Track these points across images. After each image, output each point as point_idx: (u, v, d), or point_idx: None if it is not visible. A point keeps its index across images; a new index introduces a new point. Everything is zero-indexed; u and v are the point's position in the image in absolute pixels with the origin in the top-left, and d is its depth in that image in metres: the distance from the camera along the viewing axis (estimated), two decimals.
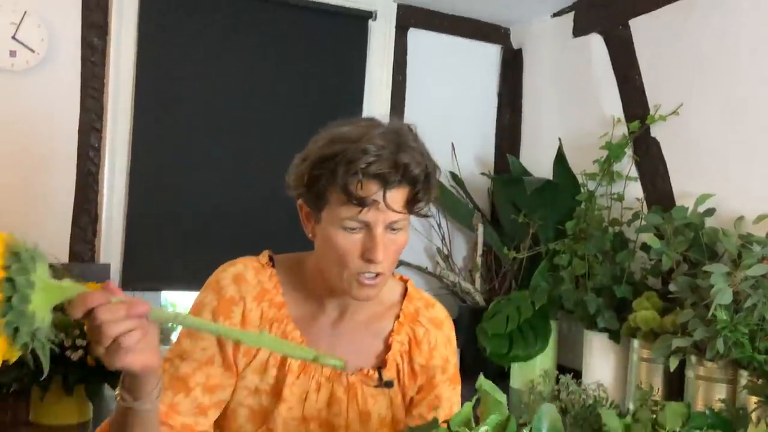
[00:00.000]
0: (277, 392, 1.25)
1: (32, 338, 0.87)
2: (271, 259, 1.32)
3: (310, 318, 1.29)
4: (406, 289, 1.38)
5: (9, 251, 0.86)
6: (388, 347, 1.32)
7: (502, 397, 1.07)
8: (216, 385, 1.23)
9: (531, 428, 0.99)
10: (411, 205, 1.18)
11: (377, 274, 1.19)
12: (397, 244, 1.20)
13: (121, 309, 0.94)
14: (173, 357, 1.24)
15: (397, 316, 1.34)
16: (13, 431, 1.98)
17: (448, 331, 1.38)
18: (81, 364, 1.98)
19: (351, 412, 1.27)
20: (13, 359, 0.87)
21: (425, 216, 1.25)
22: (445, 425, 1.02)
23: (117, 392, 1.07)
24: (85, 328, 0.96)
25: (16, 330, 0.85)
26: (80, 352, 1.96)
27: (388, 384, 1.30)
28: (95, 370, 2.00)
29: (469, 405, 1.04)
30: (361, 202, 1.13)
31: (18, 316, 0.85)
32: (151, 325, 0.99)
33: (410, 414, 1.33)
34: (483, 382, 1.09)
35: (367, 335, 1.33)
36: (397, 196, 1.16)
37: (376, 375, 1.30)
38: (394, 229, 1.18)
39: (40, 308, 0.88)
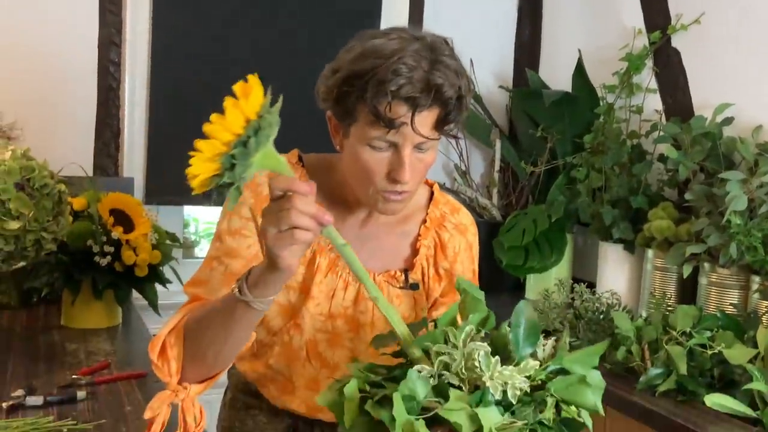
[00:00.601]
0: (305, 289, 1.29)
1: (233, 182, 0.90)
2: (300, 158, 1.34)
3: (339, 219, 1.30)
4: (432, 193, 1.39)
5: (266, 105, 0.91)
6: (415, 251, 1.35)
7: (480, 295, 1.09)
8: None
9: (509, 324, 1.03)
10: (441, 126, 1.15)
11: (402, 192, 1.20)
12: (424, 163, 1.19)
13: (313, 207, 0.96)
14: (221, 255, 1.25)
15: (424, 221, 1.36)
16: (46, 335, 2.05)
17: (471, 237, 1.40)
18: (109, 270, 2.05)
19: (376, 311, 1.31)
20: (201, 190, 0.89)
21: (454, 137, 1.24)
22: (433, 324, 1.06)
23: (234, 286, 1.07)
24: (267, 206, 0.97)
25: (232, 167, 0.89)
26: (108, 258, 2.03)
27: (414, 286, 1.33)
28: (123, 275, 2.07)
29: (456, 306, 1.07)
30: (390, 124, 1.12)
31: (243, 156, 0.89)
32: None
33: (430, 316, 1.36)
34: (461, 281, 1.11)
35: (394, 237, 1.35)
36: (427, 118, 1.13)
37: (403, 277, 1.33)
38: (422, 149, 1.17)
39: (256, 164, 0.91)
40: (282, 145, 1.00)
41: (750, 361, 1.70)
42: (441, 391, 0.97)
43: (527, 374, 0.97)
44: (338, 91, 1.15)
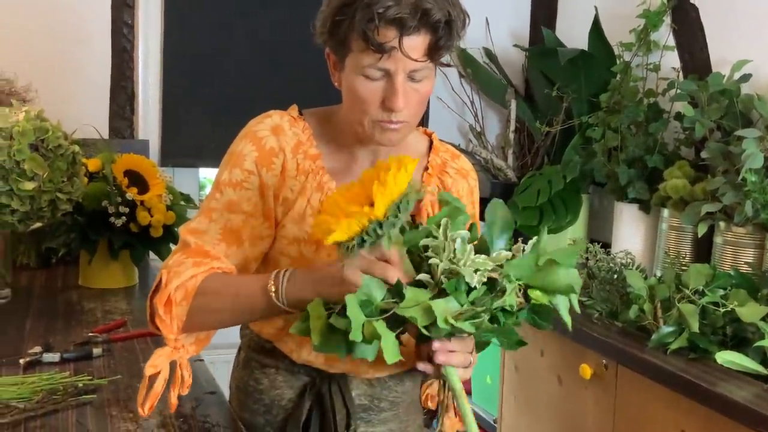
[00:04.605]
0: (317, 241, 1.28)
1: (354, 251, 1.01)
2: (300, 113, 1.34)
3: (344, 169, 1.32)
4: (431, 142, 1.41)
5: (411, 184, 1.02)
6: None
7: (462, 206, 1.11)
8: (259, 236, 1.28)
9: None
10: (433, 53, 1.16)
11: (399, 121, 1.20)
12: (420, 93, 1.19)
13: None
14: (221, 208, 1.26)
15: (426, 168, 1.37)
16: (64, 294, 2.09)
17: (472, 182, 1.42)
18: (125, 231, 2.07)
19: None
20: (334, 239, 0.99)
21: (447, 65, 1.25)
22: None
23: (270, 283, 1.14)
24: (367, 262, 1.05)
25: (369, 243, 1.00)
26: (123, 219, 2.05)
27: None
28: (138, 236, 2.09)
29: (444, 210, 1.08)
30: (379, 48, 1.12)
31: (374, 237, 1.00)
32: None
33: None
34: (444, 194, 1.13)
35: None
36: (417, 42, 1.13)
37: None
38: (415, 79, 1.17)
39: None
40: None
41: (763, 319, 1.69)
42: (398, 292, 0.99)
43: (499, 263, 0.99)
44: (331, 22, 1.17)
